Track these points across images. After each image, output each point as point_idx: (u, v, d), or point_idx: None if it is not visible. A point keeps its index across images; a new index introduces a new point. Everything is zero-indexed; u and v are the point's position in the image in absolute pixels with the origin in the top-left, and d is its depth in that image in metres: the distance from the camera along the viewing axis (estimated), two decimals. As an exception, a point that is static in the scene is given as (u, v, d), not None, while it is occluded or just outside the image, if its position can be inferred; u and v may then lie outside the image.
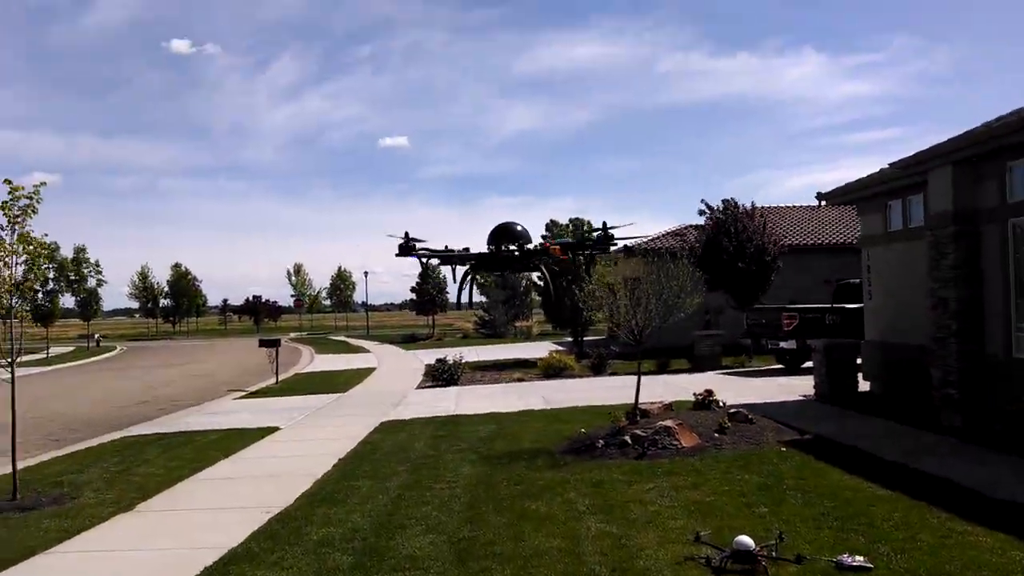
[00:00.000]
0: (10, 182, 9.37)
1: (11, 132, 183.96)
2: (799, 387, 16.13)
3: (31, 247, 9.49)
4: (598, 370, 21.49)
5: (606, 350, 22.59)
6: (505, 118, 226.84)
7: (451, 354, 22.94)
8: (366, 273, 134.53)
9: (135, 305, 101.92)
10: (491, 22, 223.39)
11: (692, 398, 12.51)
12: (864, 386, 14.94)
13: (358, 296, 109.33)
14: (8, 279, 9.44)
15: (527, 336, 48.43)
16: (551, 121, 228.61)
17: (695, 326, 23.95)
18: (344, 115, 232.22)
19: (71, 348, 62.11)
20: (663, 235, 31.27)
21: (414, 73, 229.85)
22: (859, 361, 14.69)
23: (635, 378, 11.79)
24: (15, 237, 9.44)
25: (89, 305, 66.69)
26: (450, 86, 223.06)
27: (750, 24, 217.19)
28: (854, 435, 10.24)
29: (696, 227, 26.21)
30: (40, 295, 53.45)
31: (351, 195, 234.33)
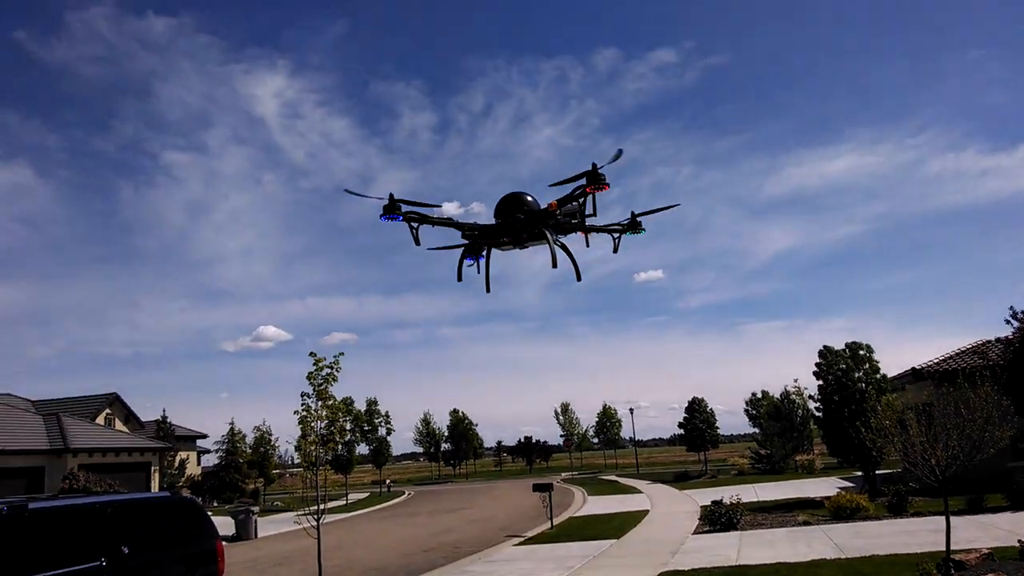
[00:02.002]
0: (314, 355, 10.68)
1: (316, 298, 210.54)
2: None
3: (331, 406, 10.62)
4: (896, 510, 19.29)
5: (903, 486, 20.29)
6: (759, 241, 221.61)
7: (727, 494, 21.83)
8: (632, 409, 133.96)
9: (419, 450, 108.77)
10: (736, 149, 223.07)
11: (1016, 544, 10.78)
12: None
13: (625, 432, 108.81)
14: (315, 439, 10.59)
15: (809, 471, 44.92)
16: (811, 239, 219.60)
17: (1010, 456, 20.97)
18: (598, 255, 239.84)
19: (366, 494, 67.09)
20: (958, 353, 28.16)
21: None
22: None
23: (941, 519, 10.42)
24: (319, 403, 10.64)
25: (381, 453, 72.23)
26: (701, 215, 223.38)
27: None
28: None
29: (1000, 340, 23.33)
30: (340, 447, 58.92)
31: (610, 331, 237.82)
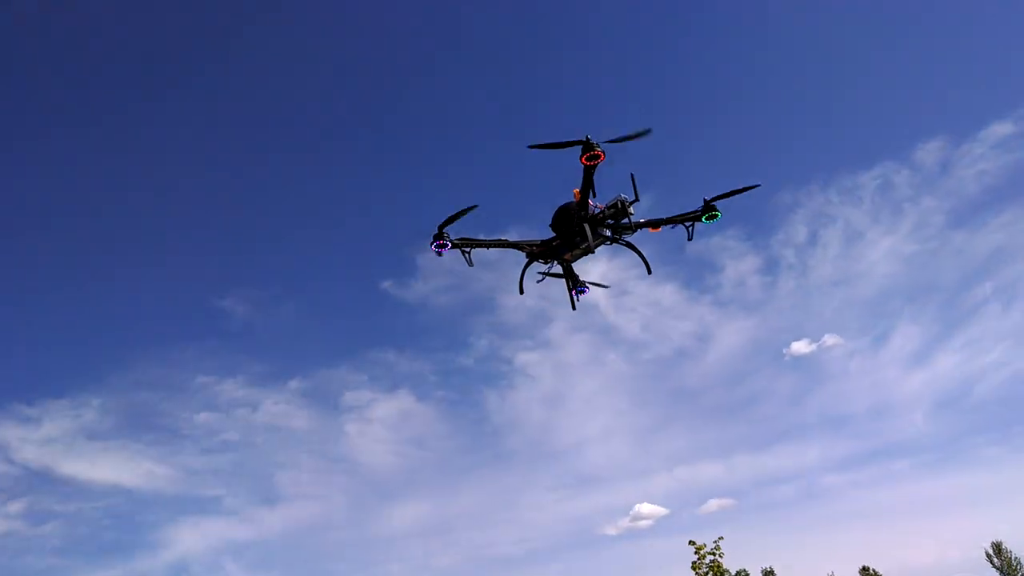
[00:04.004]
0: (693, 543, 10.59)
1: (683, 467, 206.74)
2: None
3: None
4: None
5: None
6: None
7: None
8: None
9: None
10: None
11: None
12: None
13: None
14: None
15: None
16: None
17: None
18: (986, 362, 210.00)
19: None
20: None
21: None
22: None
23: None
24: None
25: (790, 627, 66.57)
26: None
27: None
28: None
29: None
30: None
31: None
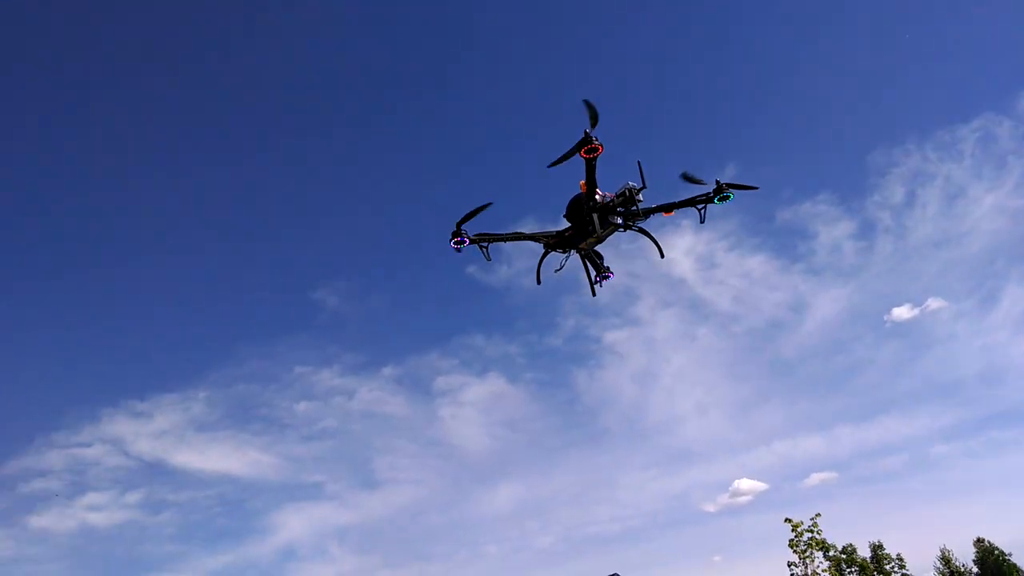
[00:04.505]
0: (790, 520, 10.60)
1: (781, 441, 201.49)
2: None
3: (832, 558, 10.37)
4: None
5: None
6: None
7: None
8: None
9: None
10: None
11: None
12: None
13: None
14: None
15: None
16: None
17: None
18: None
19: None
20: None
21: None
22: None
23: None
24: (818, 563, 10.47)
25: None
26: None
27: None
28: None
29: None
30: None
31: None
